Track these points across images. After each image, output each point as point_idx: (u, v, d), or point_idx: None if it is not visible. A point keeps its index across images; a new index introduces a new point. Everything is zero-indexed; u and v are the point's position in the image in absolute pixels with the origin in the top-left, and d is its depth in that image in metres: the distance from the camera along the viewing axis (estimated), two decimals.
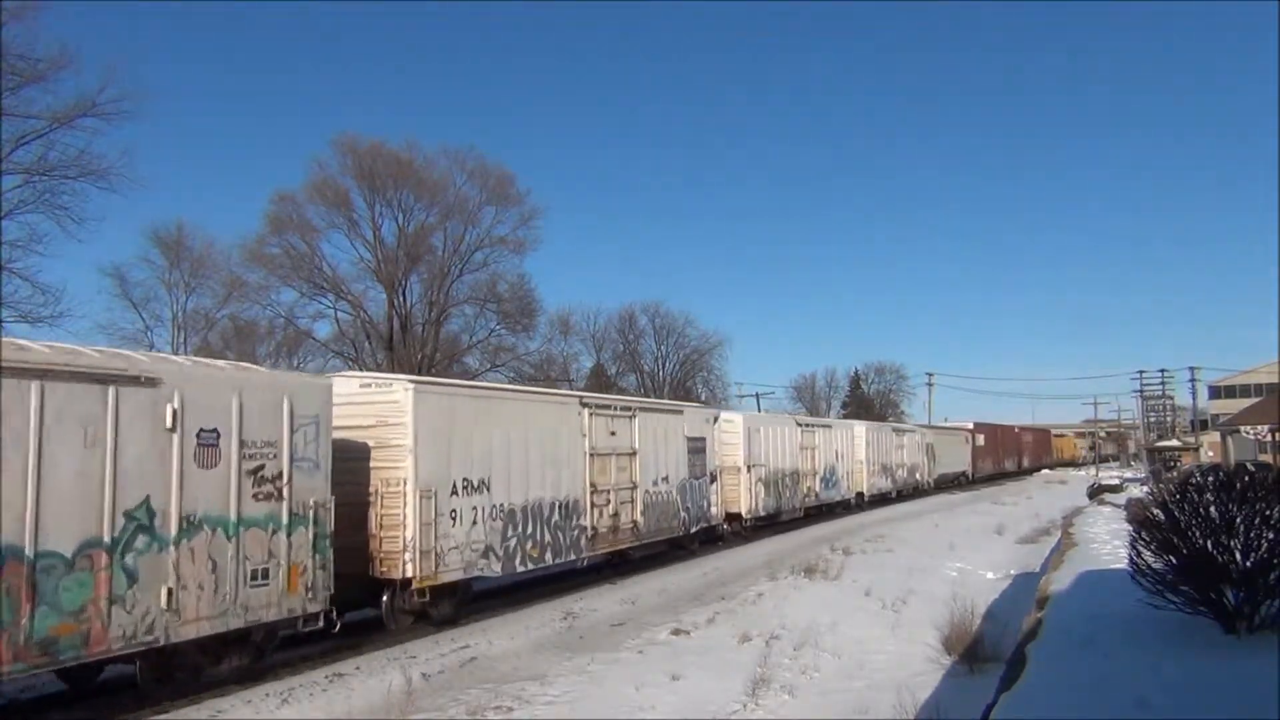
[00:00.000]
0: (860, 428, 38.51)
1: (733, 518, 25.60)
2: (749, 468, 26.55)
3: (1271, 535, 8.88)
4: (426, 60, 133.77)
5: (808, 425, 32.34)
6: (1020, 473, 70.93)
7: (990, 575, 19.12)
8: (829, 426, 35.20)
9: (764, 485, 27.50)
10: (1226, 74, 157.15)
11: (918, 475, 45.73)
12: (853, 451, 36.37)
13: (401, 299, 49.87)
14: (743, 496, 26.11)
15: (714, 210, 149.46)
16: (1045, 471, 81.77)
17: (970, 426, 59.99)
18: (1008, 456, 68.34)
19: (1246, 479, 9.60)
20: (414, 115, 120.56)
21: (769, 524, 28.56)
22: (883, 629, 13.27)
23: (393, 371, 42.78)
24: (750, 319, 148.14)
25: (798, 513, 30.30)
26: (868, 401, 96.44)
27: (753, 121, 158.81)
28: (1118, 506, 28.08)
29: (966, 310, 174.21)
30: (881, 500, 39.79)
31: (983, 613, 13.61)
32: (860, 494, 37.00)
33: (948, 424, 63.54)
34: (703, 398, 68.82)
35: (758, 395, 77.51)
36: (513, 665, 11.58)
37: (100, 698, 10.26)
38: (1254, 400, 59.40)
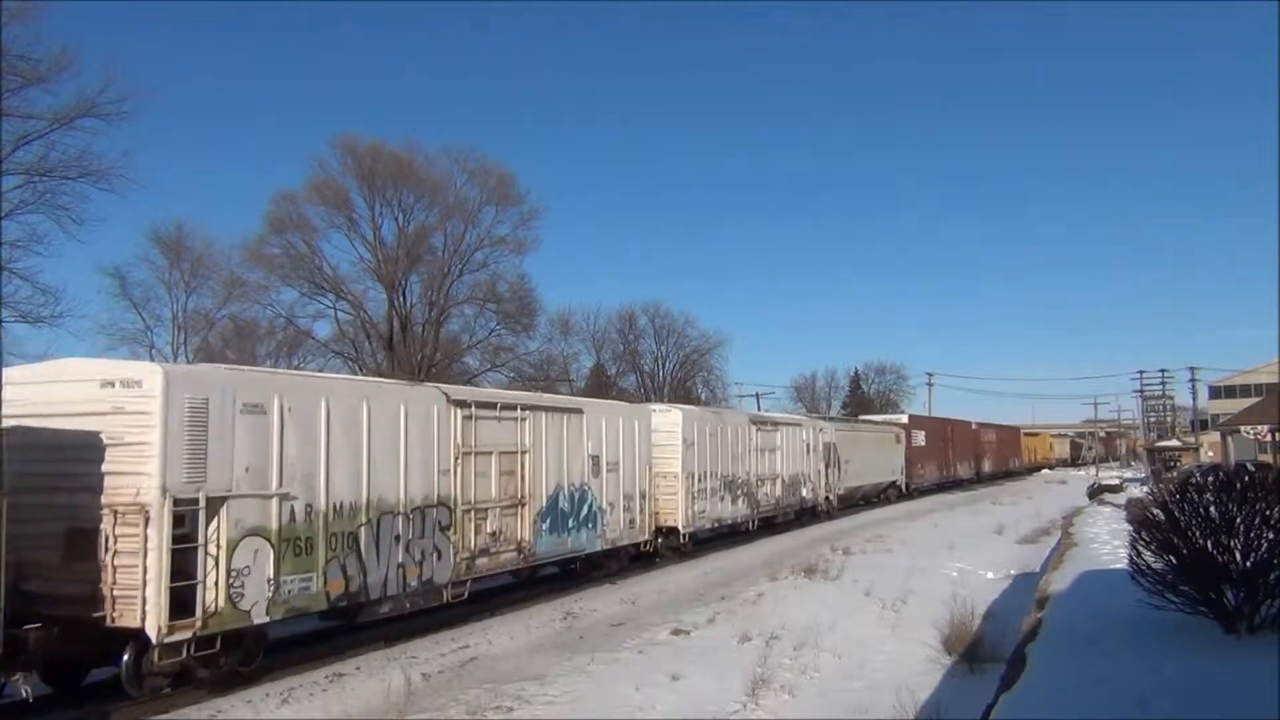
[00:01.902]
0: (671, 416, 22.12)
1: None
2: (214, 517, 10.10)
3: (1271, 535, 8.89)
4: (426, 60, 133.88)
5: (500, 409, 15.35)
6: (979, 480, 58.74)
7: (990, 575, 19.13)
8: (576, 412, 17.66)
9: (302, 546, 11.16)
10: (1226, 74, 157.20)
11: (805, 491, 30.00)
12: (647, 458, 19.92)
13: (401, 299, 49.89)
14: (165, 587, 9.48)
15: (714, 210, 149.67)
16: (1045, 471, 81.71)
17: (904, 421, 47.66)
18: (961, 460, 55.21)
19: (1246, 479, 9.61)
20: (414, 115, 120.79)
21: (348, 626, 13.46)
22: (883, 629, 13.28)
23: (393, 372, 42.78)
24: (750, 319, 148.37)
25: (451, 591, 13.90)
26: (868, 401, 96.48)
27: (753, 121, 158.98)
28: (1118, 506, 28.10)
29: (966, 310, 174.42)
30: (729, 536, 25.45)
31: (983, 613, 13.63)
32: (671, 531, 21.33)
33: (870, 418, 53.08)
34: (703, 398, 68.87)
35: (758, 395, 77.54)
36: (513, 665, 11.58)
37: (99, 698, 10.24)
38: (1254, 400, 59.37)
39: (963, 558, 21.22)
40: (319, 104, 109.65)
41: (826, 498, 32.67)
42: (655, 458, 20.64)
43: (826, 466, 32.54)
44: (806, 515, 30.94)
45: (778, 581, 17.39)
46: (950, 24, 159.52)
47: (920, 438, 47.23)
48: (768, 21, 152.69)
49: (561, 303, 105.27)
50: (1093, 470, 72.61)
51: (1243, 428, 43.83)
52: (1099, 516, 25.76)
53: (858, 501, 38.40)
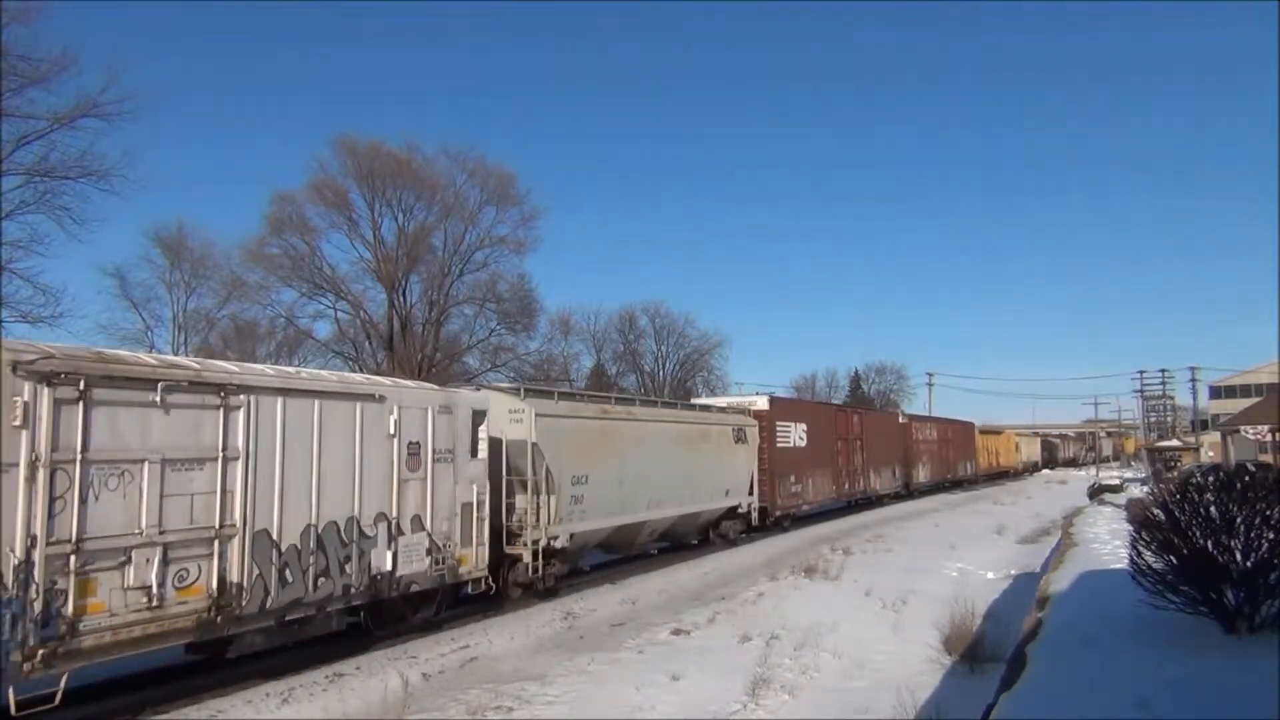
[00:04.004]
0: None
1: None
2: None
3: (1271, 535, 8.87)
4: (426, 60, 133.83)
5: None
6: (909, 494, 42.99)
7: (990, 575, 19.12)
8: None
9: None
10: (1227, 73, 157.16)
11: (387, 560, 12.16)
12: None
13: (401, 299, 49.85)
14: None
15: (714, 210, 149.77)
16: (1045, 471, 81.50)
17: (758, 407, 28.17)
18: (878, 467, 38.33)
19: (1246, 479, 9.59)
20: (414, 115, 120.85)
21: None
22: (883, 629, 13.28)
23: (393, 372, 42.77)
24: (750, 319, 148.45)
25: None
26: (868, 401, 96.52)
27: (753, 121, 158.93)
28: (1118, 506, 28.10)
29: (967, 310, 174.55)
30: None
31: (983, 613, 13.63)
32: None
33: (707, 401, 32.04)
34: (703, 398, 68.90)
35: (758, 396, 77.43)
36: (513, 665, 11.57)
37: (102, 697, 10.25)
38: (1254, 400, 59.38)
39: (963, 558, 21.22)
40: (319, 104, 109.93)
41: (520, 562, 15.64)
42: None
43: (529, 491, 15.76)
44: (413, 612, 13.43)
45: (778, 581, 17.38)
46: (951, 23, 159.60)
47: (796, 434, 29.86)
48: (768, 22, 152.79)
49: (561, 303, 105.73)
50: (1092, 470, 72.41)
51: (1243, 428, 43.82)
52: (1099, 516, 25.74)
53: (641, 550, 21.28)
